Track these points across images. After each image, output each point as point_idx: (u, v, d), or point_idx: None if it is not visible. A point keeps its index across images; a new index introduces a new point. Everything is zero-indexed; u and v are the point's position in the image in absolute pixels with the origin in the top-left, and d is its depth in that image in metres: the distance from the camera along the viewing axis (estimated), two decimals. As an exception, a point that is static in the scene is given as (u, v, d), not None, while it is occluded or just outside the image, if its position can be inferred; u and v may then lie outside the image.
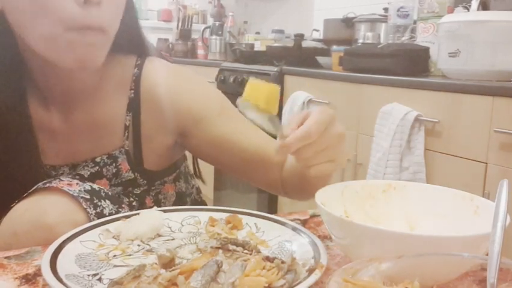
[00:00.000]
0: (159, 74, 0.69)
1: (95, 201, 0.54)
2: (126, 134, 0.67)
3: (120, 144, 0.67)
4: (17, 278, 0.43)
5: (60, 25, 0.55)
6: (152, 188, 0.71)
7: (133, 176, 0.68)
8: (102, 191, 0.56)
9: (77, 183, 0.55)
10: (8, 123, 0.61)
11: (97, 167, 0.66)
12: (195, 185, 0.83)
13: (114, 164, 0.67)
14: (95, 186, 0.56)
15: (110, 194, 0.58)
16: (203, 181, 0.84)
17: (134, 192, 0.69)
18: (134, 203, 0.68)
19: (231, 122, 0.68)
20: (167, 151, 0.71)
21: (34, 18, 0.55)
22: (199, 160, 0.78)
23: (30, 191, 0.55)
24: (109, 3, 0.57)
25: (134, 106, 0.67)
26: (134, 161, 0.68)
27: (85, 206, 0.53)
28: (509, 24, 1.33)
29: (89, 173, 0.66)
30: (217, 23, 2.96)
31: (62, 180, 0.55)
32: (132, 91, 0.67)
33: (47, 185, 0.54)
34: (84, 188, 0.55)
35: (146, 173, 0.69)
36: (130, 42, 0.67)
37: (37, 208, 0.52)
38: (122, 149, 0.67)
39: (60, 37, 0.55)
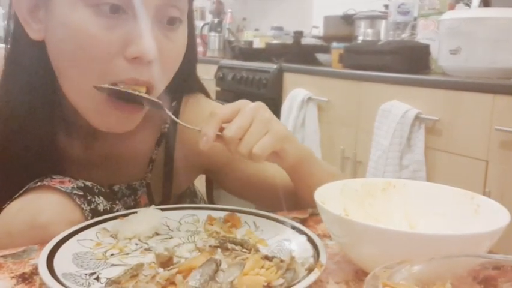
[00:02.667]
0: (200, 111, 0.67)
1: (88, 198, 0.54)
2: (150, 167, 0.65)
3: (141, 176, 0.65)
4: (13, 277, 0.43)
5: (103, 79, 0.51)
6: None
7: None
8: (95, 187, 0.56)
9: (69, 181, 0.54)
10: (37, 153, 0.58)
11: (114, 197, 0.64)
12: (202, 198, 0.82)
13: (133, 196, 0.65)
14: (88, 182, 0.56)
15: (103, 190, 0.57)
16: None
17: None
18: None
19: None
20: (190, 181, 0.71)
21: (78, 68, 0.51)
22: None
23: (22, 190, 0.54)
24: (159, 65, 0.52)
25: (168, 141, 0.65)
26: (162, 196, 0.67)
27: (79, 203, 0.52)
28: (511, 21, 1.32)
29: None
30: (215, 20, 2.95)
31: (53, 178, 0.54)
32: (166, 125, 0.65)
33: (39, 183, 0.53)
34: (77, 184, 0.54)
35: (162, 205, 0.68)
36: (178, 81, 0.63)
37: (31, 207, 0.51)
38: (143, 181, 0.65)
39: (99, 96, 0.52)
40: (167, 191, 0.67)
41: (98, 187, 0.56)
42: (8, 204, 0.53)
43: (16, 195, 0.53)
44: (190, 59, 0.61)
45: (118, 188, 0.64)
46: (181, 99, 0.67)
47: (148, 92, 0.53)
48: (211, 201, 0.82)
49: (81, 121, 0.60)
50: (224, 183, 0.70)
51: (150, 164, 0.65)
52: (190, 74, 0.66)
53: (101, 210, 0.54)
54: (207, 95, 0.71)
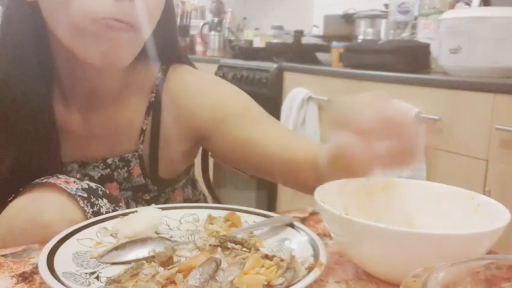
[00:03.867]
0: (183, 78, 0.68)
1: (92, 200, 0.54)
2: (142, 138, 0.67)
3: (134, 148, 0.67)
4: (13, 276, 0.43)
5: (88, 16, 0.53)
6: (163, 194, 0.71)
7: (143, 182, 0.68)
8: (99, 189, 0.56)
9: (74, 181, 0.55)
10: (32, 119, 0.60)
11: (108, 170, 0.66)
12: (202, 192, 0.83)
13: (126, 168, 0.66)
14: (93, 184, 0.56)
15: (107, 192, 0.57)
16: (218, 200, 0.84)
17: (144, 197, 0.69)
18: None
19: (255, 124, 0.66)
20: (183, 158, 0.71)
21: (63, 7, 0.53)
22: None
23: (26, 186, 0.54)
24: (142, 2, 0.54)
25: (154, 110, 0.67)
26: (149, 166, 0.68)
27: (82, 205, 0.52)
28: (511, 20, 1.32)
29: (99, 174, 0.66)
30: (216, 19, 2.95)
31: (59, 178, 0.55)
32: (153, 94, 0.67)
33: (45, 180, 0.54)
34: (81, 186, 0.54)
35: (157, 180, 0.69)
36: (161, 49, 0.66)
37: (34, 206, 0.51)
38: (135, 153, 0.67)
39: (88, 29, 0.53)
40: (154, 160, 0.68)
41: (102, 189, 0.57)
42: (12, 200, 0.53)
43: (21, 191, 0.54)
44: (169, 28, 0.66)
45: (112, 161, 0.66)
46: (168, 67, 0.69)
47: (134, 32, 0.55)
48: (210, 192, 0.83)
49: (78, 86, 0.63)
50: (217, 149, 0.71)
51: (141, 135, 0.67)
52: (172, 44, 0.69)
53: (104, 212, 0.55)
54: (191, 65, 0.73)
